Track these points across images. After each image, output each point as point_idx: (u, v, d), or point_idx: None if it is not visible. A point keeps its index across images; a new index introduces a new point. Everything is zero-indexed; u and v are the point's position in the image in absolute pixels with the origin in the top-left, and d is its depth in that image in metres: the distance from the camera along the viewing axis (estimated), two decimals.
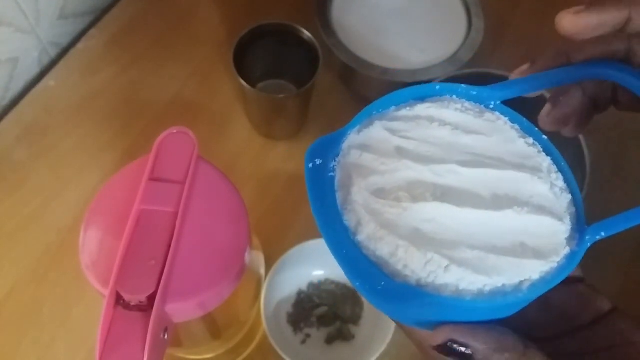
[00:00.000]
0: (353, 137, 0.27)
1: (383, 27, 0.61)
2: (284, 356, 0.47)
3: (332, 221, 0.24)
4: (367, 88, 0.62)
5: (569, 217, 0.24)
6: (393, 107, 0.28)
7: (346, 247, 0.24)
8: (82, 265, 0.31)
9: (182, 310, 0.30)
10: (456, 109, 0.27)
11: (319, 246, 0.51)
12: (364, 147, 0.26)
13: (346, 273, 0.23)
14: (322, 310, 0.53)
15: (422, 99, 0.28)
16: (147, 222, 0.30)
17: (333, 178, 0.26)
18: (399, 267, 0.23)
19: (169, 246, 0.30)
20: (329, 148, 0.26)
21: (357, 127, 0.27)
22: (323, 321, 0.52)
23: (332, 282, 0.54)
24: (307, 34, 0.56)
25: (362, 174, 0.25)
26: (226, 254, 0.32)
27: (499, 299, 0.22)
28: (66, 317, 0.52)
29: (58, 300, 0.53)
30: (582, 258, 0.23)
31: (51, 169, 0.60)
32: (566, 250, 0.24)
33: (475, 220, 0.24)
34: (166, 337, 0.29)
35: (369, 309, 0.53)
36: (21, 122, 0.62)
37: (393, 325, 0.48)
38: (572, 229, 0.24)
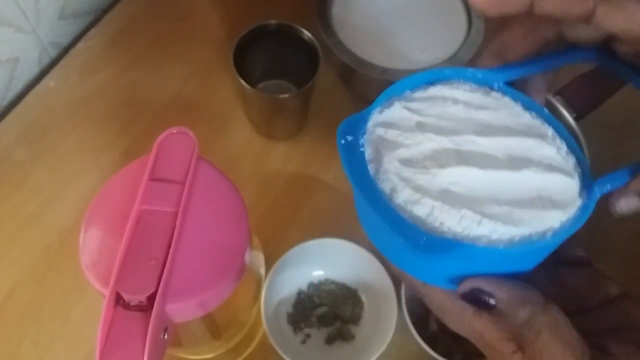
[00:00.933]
0: (376, 117, 0.30)
1: (383, 27, 0.61)
2: (284, 356, 0.47)
3: (368, 189, 0.27)
4: (367, 88, 0.61)
5: (577, 175, 0.28)
6: (408, 91, 0.31)
7: (385, 211, 0.26)
8: (82, 265, 0.31)
9: (182, 310, 0.30)
10: (465, 90, 0.30)
11: (319, 246, 0.51)
12: (388, 125, 0.29)
13: (390, 231, 0.25)
14: (322, 310, 0.53)
15: (433, 82, 0.31)
16: (147, 222, 0.30)
17: (363, 153, 0.28)
18: (436, 224, 0.25)
19: (169, 246, 0.30)
20: (356, 126, 0.29)
21: (379, 108, 0.30)
22: (323, 321, 0.52)
23: (332, 282, 0.54)
24: (307, 34, 0.56)
25: (390, 147, 0.28)
26: (226, 254, 0.32)
27: (528, 246, 0.25)
28: (66, 317, 0.52)
29: (58, 300, 0.53)
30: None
31: (51, 169, 0.60)
32: (579, 202, 0.27)
33: (498, 180, 0.27)
34: (166, 337, 0.29)
35: (369, 309, 0.53)
36: (21, 122, 0.62)
37: (393, 325, 0.48)
38: (581, 184, 0.28)
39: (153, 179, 0.32)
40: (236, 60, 0.54)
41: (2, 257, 0.55)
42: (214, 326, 0.39)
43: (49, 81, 0.65)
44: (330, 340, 0.52)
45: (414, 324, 0.48)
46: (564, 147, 0.29)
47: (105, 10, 0.71)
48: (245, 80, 0.53)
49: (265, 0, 0.70)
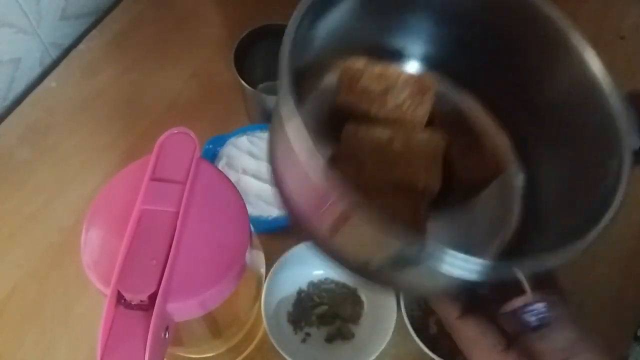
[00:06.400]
0: (232, 140, 0.57)
1: None
2: (284, 355, 0.47)
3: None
4: None
5: None
6: (257, 130, 0.58)
7: None
8: (83, 264, 0.31)
9: (183, 309, 0.31)
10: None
11: None
12: (235, 145, 0.57)
13: None
14: (322, 309, 0.53)
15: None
16: (148, 221, 0.31)
17: (215, 155, 0.57)
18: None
19: (170, 246, 0.30)
20: (221, 141, 0.58)
21: (235, 135, 0.57)
22: (323, 320, 0.53)
23: (332, 281, 0.54)
24: None
25: (230, 157, 0.56)
26: (227, 253, 0.32)
27: (275, 219, 0.54)
28: (67, 316, 0.52)
29: (59, 300, 0.53)
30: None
31: (53, 169, 0.60)
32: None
33: (264, 188, 0.54)
34: (167, 336, 0.29)
35: (369, 308, 0.53)
36: (23, 122, 0.62)
37: (393, 324, 0.48)
38: None
39: (154, 179, 0.32)
40: (237, 61, 0.55)
41: (4, 256, 0.55)
42: (214, 325, 0.39)
43: (50, 82, 0.65)
44: (330, 339, 0.52)
45: (413, 328, 0.48)
46: None
47: (107, 12, 0.71)
48: (246, 81, 0.54)
49: (266, 2, 0.70)
